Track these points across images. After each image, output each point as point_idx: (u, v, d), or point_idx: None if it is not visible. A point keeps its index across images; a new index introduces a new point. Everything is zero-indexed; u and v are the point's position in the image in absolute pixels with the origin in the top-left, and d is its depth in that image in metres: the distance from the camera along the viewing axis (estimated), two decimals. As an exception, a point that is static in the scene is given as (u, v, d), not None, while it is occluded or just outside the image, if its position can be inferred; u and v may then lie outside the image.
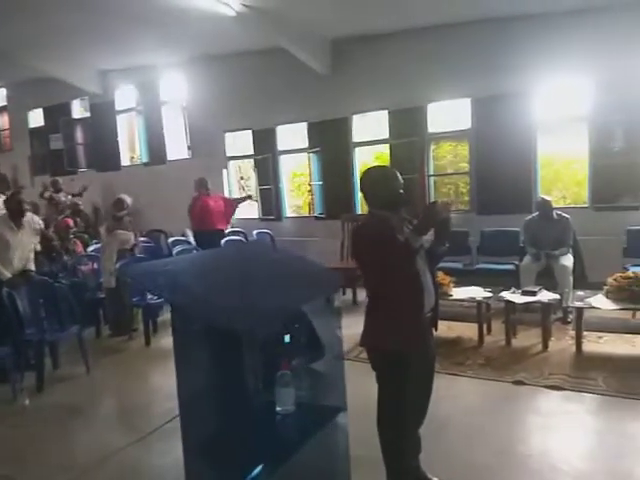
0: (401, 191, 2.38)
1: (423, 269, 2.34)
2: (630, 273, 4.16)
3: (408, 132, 7.00)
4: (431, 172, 7.30)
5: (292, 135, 8.80)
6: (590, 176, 6.21)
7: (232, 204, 7.06)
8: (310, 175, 8.03)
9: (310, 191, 8.29)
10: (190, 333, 1.72)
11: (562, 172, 8.01)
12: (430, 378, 2.47)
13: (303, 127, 7.93)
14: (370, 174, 2.44)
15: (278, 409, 2.04)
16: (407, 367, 2.27)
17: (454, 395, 3.69)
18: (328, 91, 7.39)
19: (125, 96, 9.68)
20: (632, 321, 4.62)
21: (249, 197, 7.64)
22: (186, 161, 8.83)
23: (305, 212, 8.94)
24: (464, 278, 5.38)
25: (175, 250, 6.30)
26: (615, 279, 4.12)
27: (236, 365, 1.62)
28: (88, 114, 10.07)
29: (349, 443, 2.24)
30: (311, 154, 7.87)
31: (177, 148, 9.22)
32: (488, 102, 6.42)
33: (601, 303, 4.13)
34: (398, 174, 2.41)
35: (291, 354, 2.17)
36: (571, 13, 5.71)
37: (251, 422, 1.70)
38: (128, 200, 6.08)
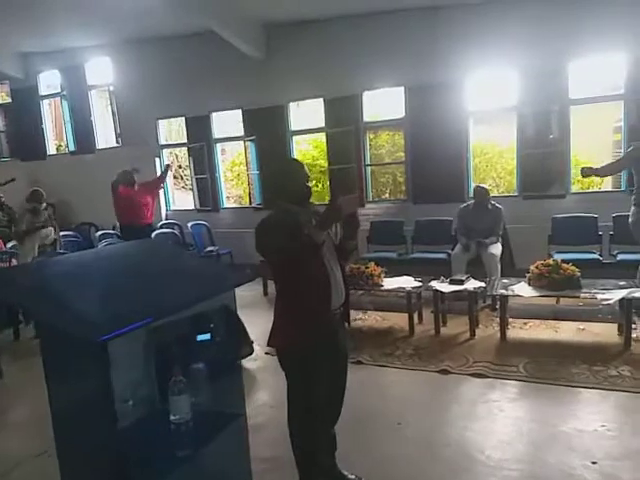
0: (308, 184, 2.28)
1: (332, 264, 2.25)
2: (550, 261, 4.25)
3: (344, 121, 6.93)
4: (368, 161, 7.27)
5: (229, 123, 8.56)
6: (518, 165, 6.36)
7: (155, 185, 6.75)
8: (247, 164, 7.83)
9: (248, 181, 8.10)
10: (55, 342, 1.55)
11: (495, 161, 8.21)
12: (343, 374, 2.40)
13: (239, 114, 7.71)
14: (274, 167, 2.34)
15: (172, 418, 1.91)
16: (317, 364, 2.20)
17: (381, 386, 3.67)
18: (263, 78, 7.20)
19: (49, 81, 9.08)
20: (556, 307, 4.76)
21: (168, 167, 7.27)
22: (116, 150, 8.40)
23: (247, 202, 8.74)
24: (399, 267, 5.39)
25: (100, 245, 5.98)
26: (537, 267, 4.21)
27: (100, 378, 1.46)
28: (9, 100, 9.39)
29: (249, 447, 2.16)
30: (248, 142, 7.67)
31: (106, 136, 8.76)
32: (422, 91, 6.43)
33: (524, 290, 4.21)
34: (304, 166, 2.31)
35: (195, 357, 2.04)
36: (498, 3, 5.77)
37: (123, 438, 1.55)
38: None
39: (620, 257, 5.09)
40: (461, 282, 4.49)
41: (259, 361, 4.11)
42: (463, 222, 5.44)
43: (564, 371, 3.57)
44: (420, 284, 4.66)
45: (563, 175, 6.10)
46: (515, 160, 6.45)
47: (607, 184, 7.27)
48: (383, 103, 7.74)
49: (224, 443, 1.91)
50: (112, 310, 1.56)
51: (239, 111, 7.65)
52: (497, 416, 3.10)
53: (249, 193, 8.14)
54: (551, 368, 3.64)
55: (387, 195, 8.49)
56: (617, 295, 3.90)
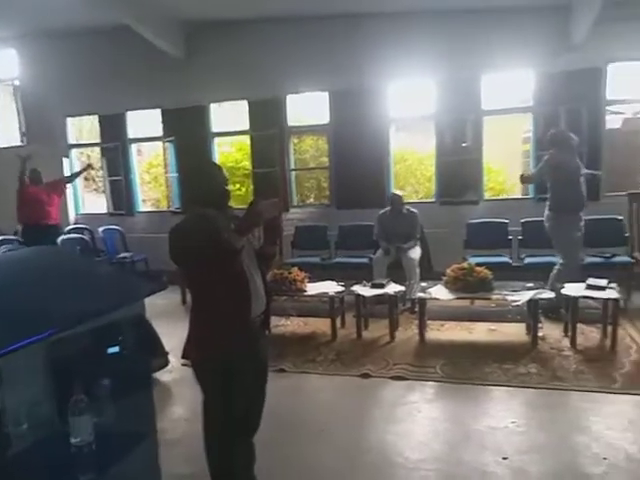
0: (226, 187, 2.18)
1: (252, 270, 2.17)
2: (465, 264, 4.44)
3: (268, 124, 6.85)
4: (292, 166, 7.25)
5: (147, 122, 8.19)
6: (436, 172, 6.62)
7: (61, 184, 6.34)
8: (166, 166, 7.53)
9: (167, 183, 7.78)
10: None
11: (415, 168, 8.51)
12: (262, 384, 2.32)
13: (157, 114, 7.40)
14: (190, 168, 2.22)
15: (73, 441, 1.74)
16: (235, 375, 2.10)
17: (303, 394, 3.63)
18: (183, 77, 6.97)
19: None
20: (471, 308, 4.98)
21: (89, 166, 6.85)
22: (19, 149, 7.73)
23: (164, 206, 8.39)
24: (323, 272, 5.42)
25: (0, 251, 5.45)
26: (452, 270, 4.37)
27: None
28: None
29: (160, 468, 2.02)
30: (167, 143, 7.37)
31: (9, 133, 8.06)
32: (346, 97, 6.52)
33: (441, 293, 4.35)
34: (222, 168, 2.21)
35: (103, 372, 1.88)
36: (418, 15, 5.97)
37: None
38: None
39: (527, 260, 5.42)
40: (382, 286, 4.57)
41: (174, 373, 3.92)
42: (382, 227, 5.56)
43: (477, 371, 3.72)
44: (343, 289, 4.68)
45: (477, 182, 6.42)
46: (434, 167, 6.70)
47: (517, 192, 7.77)
48: (308, 108, 7.76)
49: (132, 465, 1.77)
50: (5, 323, 1.40)
51: (158, 111, 7.34)
52: (415, 417, 3.16)
53: (167, 196, 7.83)
54: (466, 368, 3.78)
55: (311, 200, 8.52)
56: (525, 296, 4.13)
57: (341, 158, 6.72)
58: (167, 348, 3.81)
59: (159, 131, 7.48)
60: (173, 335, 4.22)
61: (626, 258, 5.21)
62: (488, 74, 6.18)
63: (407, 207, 5.58)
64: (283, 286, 4.56)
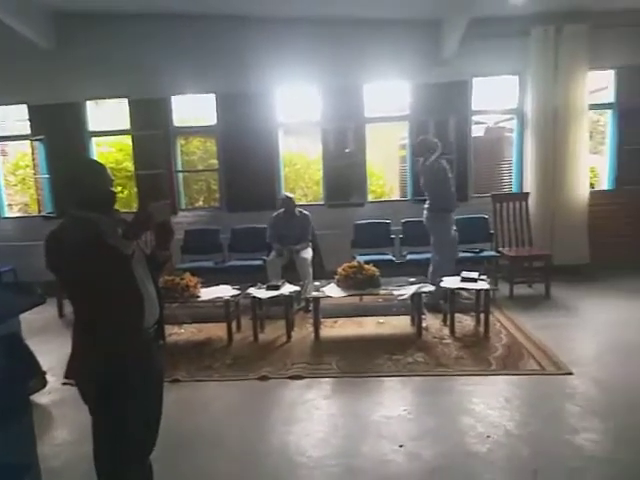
0: (112, 189, 2.04)
1: (143, 278, 2.05)
2: (355, 263, 4.63)
3: (152, 124, 6.54)
4: (179, 168, 6.99)
5: (11, 119, 7.37)
6: (324, 176, 6.81)
7: None
8: (35, 167, 6.84)
9: (36, 186, 7.07)
10: None
11: (304, 172, 8.67)
12: (159, 398, 2.20)
13: (24, 110, 6.69)
14: (68, 169, 2.03)
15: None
16: (128, 392, 1.95)
17: (200, 403, 3.51)
18: (54, 71, 6.40)
19: None
20: (361, 304, 5.21)
21: None
22: None
23: (34, 211, 7.60)
24: (216, 277, 5.29)
25: None
26: (343, 269, 4.54)
27: None
28: None
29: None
30: (36, 142, 6.69)
31: None
32: (233, 99, 6.43)
33: (333, 291, 4.49)
34: (106, 168, 2.06)
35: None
36: (304, 22, 6.09)
37: None
38: None
39: (409, 257, 5.80)
40: (277, 287, 4.59)
41: (54, 394, 3.58)
42: (276, 229, 5.60)
43: (370, 363, 3.91)
44: (238, 292, 4.63)
45: (362, 186, 6.72)
46: (321, 171, 6.87)
47: (397, 194, 8.26)
48: (195, 108, 7.53)
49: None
50: None
51: (24, 106, 6.64)
52: (314, 415, 3.22)
53: (38, 200, 7.12)
54: (359, 362, 3.94)
55: (201, 203, 8.28)
56: (409, 291, 4.42)
57: (231, 160, 6.63)
58: (44, 367, 3.46)
59: (26, 129, 6.77)
60: (51, 352, 3.88)
61: (492, 252, 5.83)
62: (369, 83, 6.49)
63: (299, 209, 5.68)
64: (175, 293, 4.39)
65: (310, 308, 4.94)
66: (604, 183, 6.67)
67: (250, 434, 3.03)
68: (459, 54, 5.97)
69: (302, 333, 4.66)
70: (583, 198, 6.20)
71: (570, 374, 3.57)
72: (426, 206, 5.21)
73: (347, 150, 6.64)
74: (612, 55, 6.12)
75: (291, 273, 5.27)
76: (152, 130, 6.53)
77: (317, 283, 4.81)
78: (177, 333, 4.78)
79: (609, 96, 6.40)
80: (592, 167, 6.91)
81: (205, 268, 5.68)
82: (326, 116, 6.52)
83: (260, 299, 4.51)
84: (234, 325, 4.63)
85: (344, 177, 6.66)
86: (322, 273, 5.44)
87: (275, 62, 6.21)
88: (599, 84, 6.57)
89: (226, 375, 3.87)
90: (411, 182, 6.62)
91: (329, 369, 3.86)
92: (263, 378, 3.75)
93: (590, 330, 4.56)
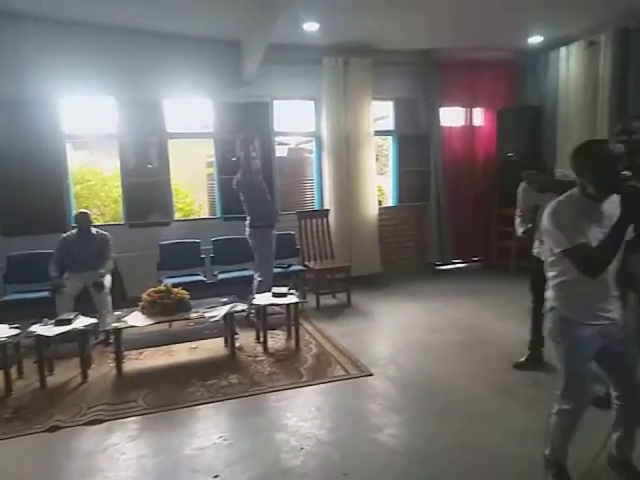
0: None
1: None
2: (162, 287, 4.33)
3: None
4: None
5: None
6: (123, 194, 6.29)
7: None
8: None
9: None
10: None
11: (99, 189, 7.91)
12: None
13: None
14: None
15: None
16: None
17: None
18: None
19: None
20: (170, 331, 4.88)
21: None
22: None
23: None
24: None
25: None
26: (148, 294, 4.21)
27: None
28: None
29: None
30: None
31: None
32: (6, 107, 5.52)
33: (138, 320, 4.12)
34: None
35: None
36: (88, 27, 5.55)
37: None
38: None
39: (221, 276, 5.69)
40: (69, 322, 4.01)
41: None
42: (63, 253, 4.92)
43: (181, 393, 3.66)
44: (17, 331, 3.91)
45: (167, 204, 6.38)
46: (120, 188, 6.34)
47: (206, 212, 8.10)
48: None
49: None
50: None
51: None
52: (119, 461, 2.87)
53: None
54: (169, 393, 3.67)
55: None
56: (222, 311, 4.31)
57: (6, 176, 5.64)
58: None
59: None
60: None
61: (299, 267, 6.09)
62: (169, 98, 6.24)
63: (97, 229, 5.11)
64: None
65: (111, 341, 4.45)
66: (389, 200, 7.55)
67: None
68: (260, 76, 6.13)
69: (102, 370, 4.15)
70: (373, 214, 6.92)
71: (371, 375, 3.88)
72: (247, 222, 5.19)
73: (149, 166, 6.26)
74: (391, 88, 7.00)
75: (85, 304, 4.68)
76: None
77: (118, 312, 4.36)
78: None
79: (390, 124, 7.30)
80: (380, 186, 7.80)
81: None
82: (124, 129, 6.05)
83: (47, 337, 3.88)
84: (14, 371, 3.91)
85: (147, 194, 6.23)
86: (124, 301, 4.97)
87: (58, 67, 5.52)
88: (384, 112, 7.44)
89: (6, 432, 3.21)
90: (220, 200, 6.54)
91: (134, 407, 3.49)
92: (53, 429, 3.21)
93: (385, 332, 5.06)
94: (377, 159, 7.39)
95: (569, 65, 6.29)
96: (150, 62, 5.88)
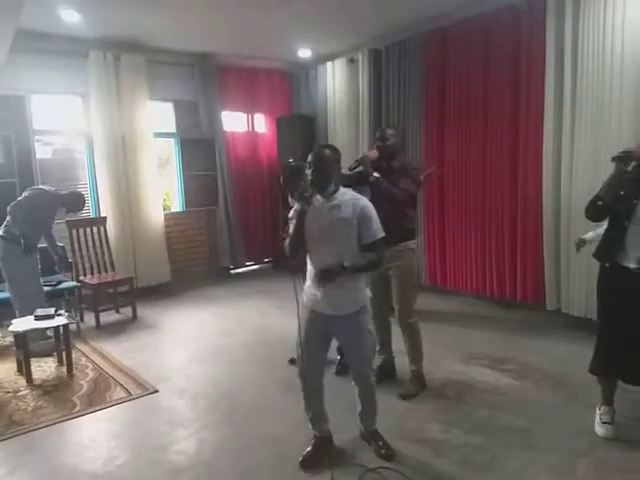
0: None
1: None
2: None
3: None
4: None
5: None
6: None
7: None
8: None
9: None
10: None
11: None
12: None
13: None
14: None
15: None
16: None
17: None
18: None
19: None
20: None
21: None
22: None
23: None
24: None
25: None
26: None
27: None
28: None
29: None
30: None
31: None
32: None
33: None
34: None
35: None
36: None
37: None
38: None
39: None
40: None
41: None
42: None
43: None
44: None
45: None
46: None
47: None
48: None
49: None
50: None
51: None
52: None
53: None
54: None
55: None
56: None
57: None
58: None
59: None
60: None
61: (72, 283, 5.40)
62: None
63: None
64: None
65: None
66: (177, 205, 7.27)
67: None
68: (12, 65, 5.25)
69: None
70: (159, 220, 6.57)
71: (156, 392, 3.66)
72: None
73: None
74: (169, 89, 6.73)
75: None
76: None
77: None
78: None
79: (172, 126, 7.03)
80: (166, 191, 7.45)
81: None
82: None
83: None
84: None
85: None
86: None
87: None
88: (166, 113, 7.10)
89: None
90: None
91: None
92: None
93: (175, 343, 4.83)
94: (167, 162, 7.05)
95: (335, 79, 6.92)
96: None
